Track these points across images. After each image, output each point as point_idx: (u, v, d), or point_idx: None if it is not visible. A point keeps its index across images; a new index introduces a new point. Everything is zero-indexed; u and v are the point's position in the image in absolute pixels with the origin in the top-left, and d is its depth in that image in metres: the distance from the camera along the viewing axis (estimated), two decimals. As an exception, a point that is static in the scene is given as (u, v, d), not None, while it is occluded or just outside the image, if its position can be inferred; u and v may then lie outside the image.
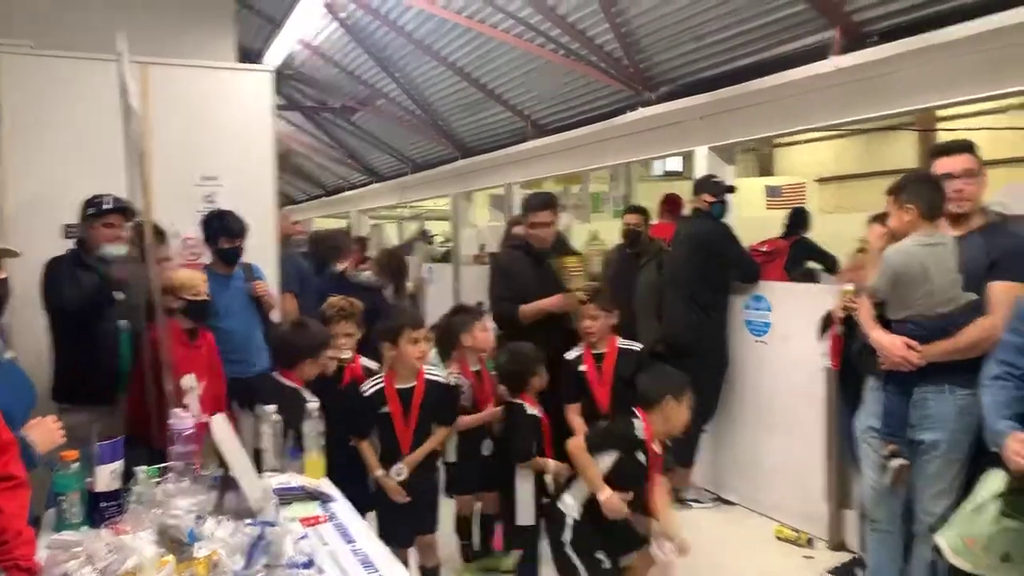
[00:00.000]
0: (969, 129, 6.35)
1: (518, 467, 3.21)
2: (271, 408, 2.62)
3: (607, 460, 2.85)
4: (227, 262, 3.80)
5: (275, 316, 4.00)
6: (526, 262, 3.96)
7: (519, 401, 3.26)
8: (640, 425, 2.86)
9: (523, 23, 5.87)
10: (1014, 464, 2.18)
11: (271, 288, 4.02)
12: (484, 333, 3.57)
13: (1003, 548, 2.25)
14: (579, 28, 5.64)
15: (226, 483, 2.12)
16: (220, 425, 2.22)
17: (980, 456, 2.46)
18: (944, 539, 2.42)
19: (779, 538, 4.15)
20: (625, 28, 5.35)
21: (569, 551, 2.86)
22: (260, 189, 4.34)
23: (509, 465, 3.23)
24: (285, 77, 8.26)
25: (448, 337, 3.58)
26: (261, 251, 4.11)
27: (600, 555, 2.87)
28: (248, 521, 1.92)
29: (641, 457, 2.87)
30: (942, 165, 2.80)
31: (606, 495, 2.80)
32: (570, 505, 2.90)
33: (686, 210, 5.41)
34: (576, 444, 2.89)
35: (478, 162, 8.46)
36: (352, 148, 11.47)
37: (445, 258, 9.82)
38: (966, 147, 2.82)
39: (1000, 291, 2.58)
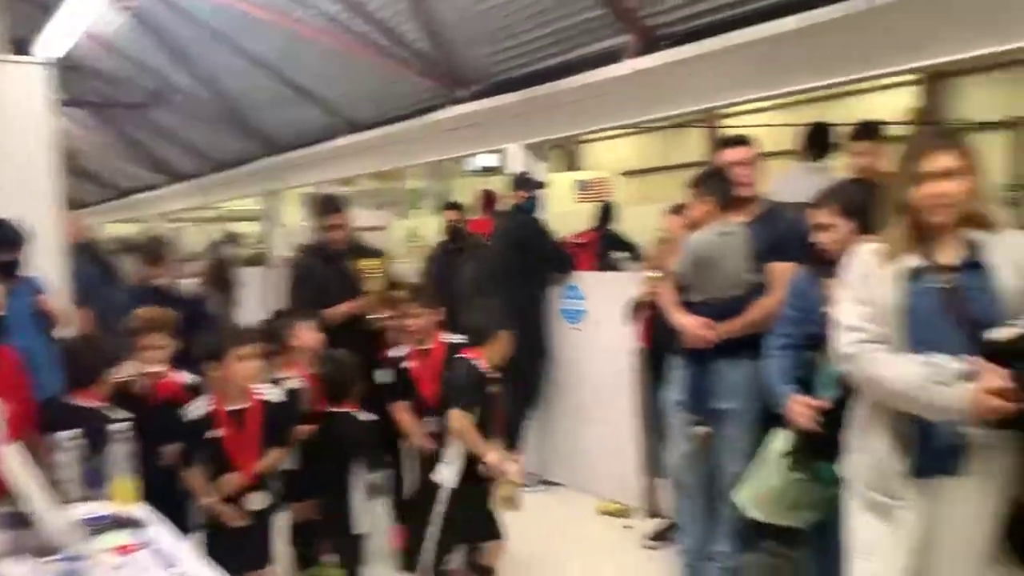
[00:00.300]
0: (748, 125, 7.02)
1: (354, 475, 3.13)
2: (68, 434, 2.39)
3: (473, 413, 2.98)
4: (6, 275, 3.42)
5: (66, 332, 3.64)
6: (323, 265, 3.97)
7: (345, 409, 3.17)
8: (477, 360, 3.06)
9: (329, 18, 5.74)
10: (795, 423, 2.47)
11: (58, 302, 3.66)
12: (311, 332, 3.47)
13: (791, 498, 2.53)
14: (388, 25, 5.60)
15: (21, 519, 1.91)
16: (11, 455, 2.00)
17: (769, 419, 2.75)
18: (742, 496, 2.69)
19: (601, 512, 4.40)
20: (435, 26, 5.38)
21: (434, 526, 2.93)
22: (40, 193, 3.93)
23: (342, 473, 3.15)
24: (68, 70, 7.49)
25: (272, 342, 3.43)
26: (44, 262, 3.72)
27: (457, 549, 2.97)
28: (51, 557, 1.76)
29: (489, 389, 3.04)
30: (726, 155, 3.15)
31: (495, 456, 2.91)
32: (446, 475, 2.96)
33: (501, 205, 5.56)
34: (456, 415, 2.97)
35: (288, 160, 8.16)
36: (147, 147, 10.65)
37: (256, 261, 9.39)
38: (745, 140, 3.21)
39: (779, 271, 2.89)
